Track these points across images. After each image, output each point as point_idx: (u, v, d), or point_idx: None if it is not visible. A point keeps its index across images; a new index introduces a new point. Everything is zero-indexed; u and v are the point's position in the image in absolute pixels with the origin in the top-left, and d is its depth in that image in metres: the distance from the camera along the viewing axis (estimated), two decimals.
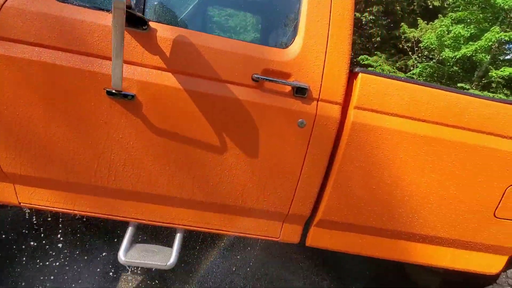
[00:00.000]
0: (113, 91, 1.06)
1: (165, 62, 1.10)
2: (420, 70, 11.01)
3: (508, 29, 8.44)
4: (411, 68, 11.75)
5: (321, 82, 1.19)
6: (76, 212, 1.26)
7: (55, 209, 1.24)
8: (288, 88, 1.18)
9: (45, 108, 1.08)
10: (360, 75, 1.20)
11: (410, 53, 12.41)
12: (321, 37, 1.17)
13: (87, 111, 1.10)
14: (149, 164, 1.19)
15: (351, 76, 1.26)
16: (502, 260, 1.45)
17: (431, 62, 11.51)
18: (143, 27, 1.06)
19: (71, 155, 1.15)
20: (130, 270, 1.86)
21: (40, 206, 1.23)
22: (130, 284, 1.78)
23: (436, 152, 1.23)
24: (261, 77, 1.14)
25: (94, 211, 1.27)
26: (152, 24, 1.09)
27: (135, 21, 1.04)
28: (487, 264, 1.45)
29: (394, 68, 11.87)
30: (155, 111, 1.13)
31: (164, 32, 1.09)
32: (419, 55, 12.21)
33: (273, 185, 1.26)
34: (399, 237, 1.39)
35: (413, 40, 11.48)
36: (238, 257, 2.34)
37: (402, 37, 12.15)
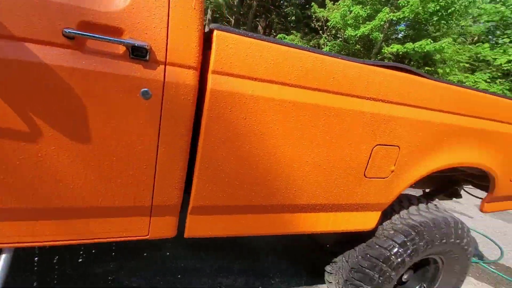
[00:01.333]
0: None
1: None
2: (329, 49, 11.81)
3: (396, 10, 9.64)
4: (323, 46, 12.55)
5: (167, 40, 0.95)
6: None
7: None
8: (122, 49, 0.91)
9: None
10: (215, 32, 1.00)
11: (320, 32, 13.21)
12: None
13: None
14: None
15: (208, 35, 1.06)
16: (376, 216, 1.54)
17: (338, 40, 12.48)
18: None
19: None
20: None
21: None
22: None
23: (305, 118, 1.16)
24: (76, 32, 0.84)
25: None
26: None
27: None
28: (364, 221, 1.53)
29: (308, 46, 12.51)
30: None
31: None
32: (328, 34, 13.10)
33: (121, 175, 1.01)
34: (281, 211, 1.32)
35: (322, 19, 12.19)
36: (145, 254, 2.10)
37: (313, 16, 12.79)
